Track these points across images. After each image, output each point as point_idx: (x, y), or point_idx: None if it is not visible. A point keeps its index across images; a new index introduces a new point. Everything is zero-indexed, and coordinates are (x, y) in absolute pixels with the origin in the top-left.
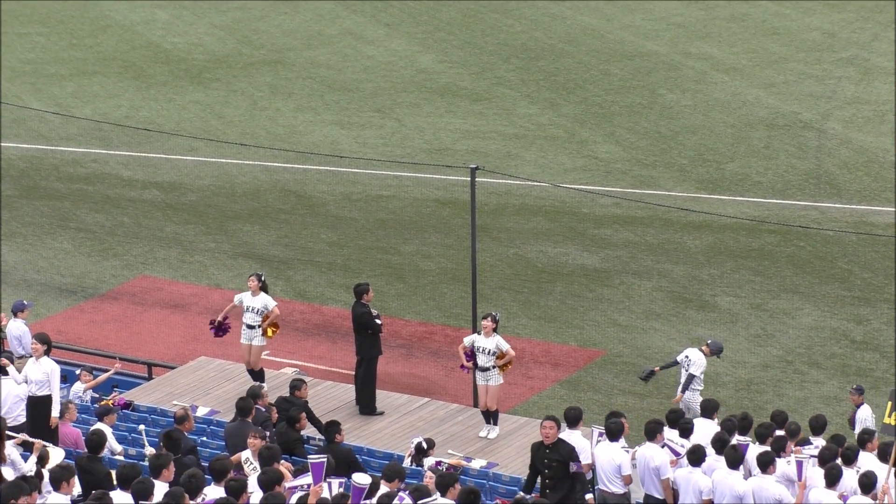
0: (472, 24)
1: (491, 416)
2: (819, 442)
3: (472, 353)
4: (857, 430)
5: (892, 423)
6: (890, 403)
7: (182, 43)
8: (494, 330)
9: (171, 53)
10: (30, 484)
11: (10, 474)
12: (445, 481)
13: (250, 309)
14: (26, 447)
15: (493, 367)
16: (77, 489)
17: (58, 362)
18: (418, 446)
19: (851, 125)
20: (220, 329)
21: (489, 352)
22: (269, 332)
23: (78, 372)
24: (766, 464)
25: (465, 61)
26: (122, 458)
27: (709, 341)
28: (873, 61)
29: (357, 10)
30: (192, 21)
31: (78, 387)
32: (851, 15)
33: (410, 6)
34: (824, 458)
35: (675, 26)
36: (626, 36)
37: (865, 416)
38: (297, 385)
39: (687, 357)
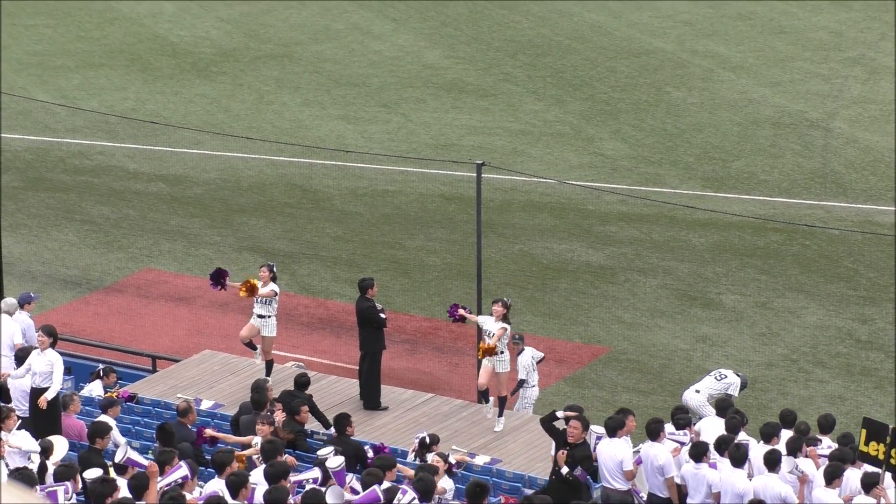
0: (479, 20)
1: (499, 404)
2: (827, 441)
3: (457, 312)
4: (520, 376)
5: (871, 451)
6: (864, 431)
7: (189, 36)
8: (504, 317)
9: (177, 46)
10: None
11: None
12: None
13: (259, 300)
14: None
15: (502, 351)
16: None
17: (62, 355)
18: (422, 441)
19: (858, 124)
20: (220, 280)
21: (493, 335)
22: (242, 291)
23: (100, 372)
24: (773, 462)
25: (472, 57)
26: None
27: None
28: (880, 61)
29: (364, 5)
30: (198, 14)
31: (97, 387)
32: (858, 14)
33: (417, 2)
34: (833, 457)
35: (682, 24)
36: (633, 33)
37: (526, 363)
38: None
39: (725, 376)
